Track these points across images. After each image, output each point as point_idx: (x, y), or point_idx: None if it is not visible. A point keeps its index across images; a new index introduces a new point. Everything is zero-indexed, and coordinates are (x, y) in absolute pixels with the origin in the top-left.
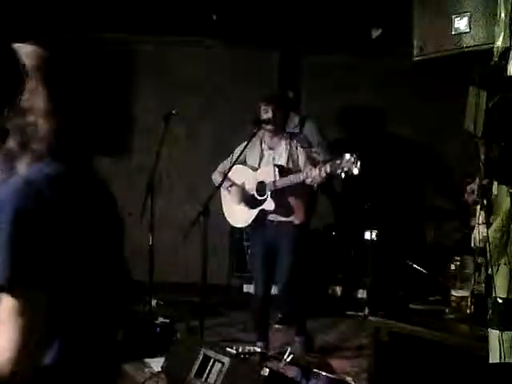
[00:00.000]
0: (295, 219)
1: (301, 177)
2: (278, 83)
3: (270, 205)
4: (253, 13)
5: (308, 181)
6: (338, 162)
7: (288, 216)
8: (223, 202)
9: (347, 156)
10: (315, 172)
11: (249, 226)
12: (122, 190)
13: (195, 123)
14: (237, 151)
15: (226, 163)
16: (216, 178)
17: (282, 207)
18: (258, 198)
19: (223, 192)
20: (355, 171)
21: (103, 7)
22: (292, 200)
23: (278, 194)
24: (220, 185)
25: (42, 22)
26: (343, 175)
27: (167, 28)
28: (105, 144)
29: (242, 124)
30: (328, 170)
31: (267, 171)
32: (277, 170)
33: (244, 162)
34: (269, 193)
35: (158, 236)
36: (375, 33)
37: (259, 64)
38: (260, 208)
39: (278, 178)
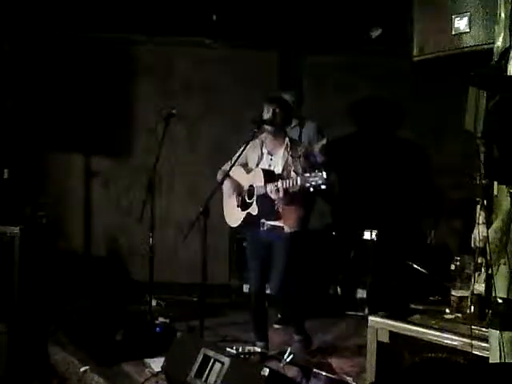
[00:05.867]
0: (285, 226)
1: (278, 185)
2: (278, 83)
3: (254, 210)
4: (253, 13)
5: (280, 189)
6: (308, 175)
7: (277, 222)
8: (223, 200)
9: (316, 172)
10: (287, 183)
11: (245, 227)
12: (122, 189)
13: (195, 123)
14: (239, 151)
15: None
16: (219, 177)
17: (269, 213)
18: (247, 201)
19: (224, 190)
20: (323, 187)
21: (103, 7)
22: (281, 207)
23: (264, 200)
24: (221, 183)
25: (43, 22)
26: (311, 189)
27: (167, 28)
28: (105, 144)
29: (242, 124)
30: (298, 182)
31: (256, 175)
32: (263, 175)
33: (245, 163)
34: (255, 197)
35: (158, 236)
36: (375, 33)
37: (259, 64)
38: (247, 211)
39: (263, 183)
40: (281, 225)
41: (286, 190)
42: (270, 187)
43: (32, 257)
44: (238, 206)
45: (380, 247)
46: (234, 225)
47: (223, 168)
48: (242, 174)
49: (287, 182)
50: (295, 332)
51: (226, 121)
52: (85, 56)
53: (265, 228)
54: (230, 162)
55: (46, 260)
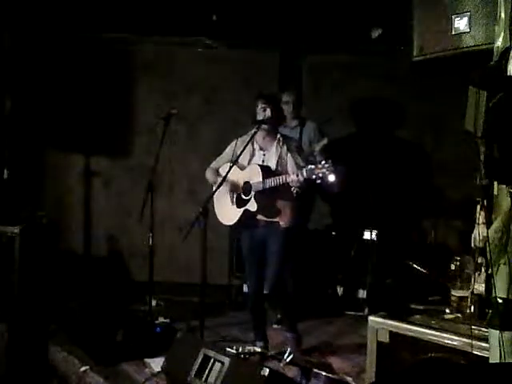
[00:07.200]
0: (281, 222)
1: (280, 180)
2: (278, 83)
3: (253, 206)
4: (253, 13)
5: (283, 183)
6: (313, 167)
7: (274, 218)
8: (214, 199)
9: (323, 163)
10: (292, 177)
11: (240, 225)
12: (122, 189)
13: (195, 123)
14: (230, 150)
15: (219, 160)
16: (208, 175)
17: (267, 209)
18: (244, 197)
19: (214, 189)
20: (330, 178)
21: (103, 7)
22: (277, 202)
23: (262, 196)
24: (219, 186)
25: (43, 23)
26: (318, 181)
27: (167, 28)
28: (105, 144)
29: (242, 124)
30: (304, 175)
31: (253, 171)
32: (261, 171)
33: (236, 160)
34: (253, 193)
35: (158, 236)
36: (375, 33)
37: (259, 64)
38: (244, 208)
39: (261, 179)
40: (276, 220)
41: (287, 185)
42: (271, 182)
43: (32, 257)
44: (233, 204)
45: (380, 247)
46: (230, 223)
47: (212, 166)
48: (234, 171)
49: (291, 176)
50: (289, 330)
51: (226, 121)
52: (85, 56)
53: (261, 224)
54: (218, 160)
55: (46, 260)
